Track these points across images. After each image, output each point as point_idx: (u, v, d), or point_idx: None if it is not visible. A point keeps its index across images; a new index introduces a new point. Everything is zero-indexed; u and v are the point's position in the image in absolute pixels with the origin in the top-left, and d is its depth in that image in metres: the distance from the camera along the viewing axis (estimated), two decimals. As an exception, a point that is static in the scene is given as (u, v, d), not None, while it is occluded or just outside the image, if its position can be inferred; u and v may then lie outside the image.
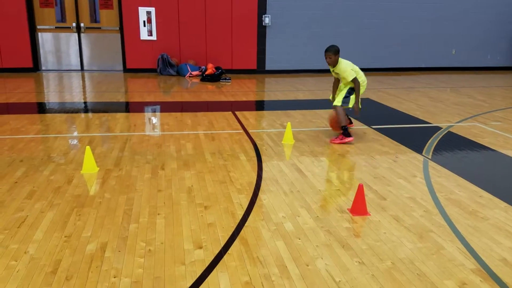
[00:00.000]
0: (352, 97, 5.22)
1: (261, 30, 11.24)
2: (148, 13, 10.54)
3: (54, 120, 6.13)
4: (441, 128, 6.07)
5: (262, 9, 11.09)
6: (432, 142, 5.40)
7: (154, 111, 7.11)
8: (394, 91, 9.06)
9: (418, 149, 5.05)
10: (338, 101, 5.22)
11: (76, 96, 8.08)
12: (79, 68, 10.88)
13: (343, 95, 5.22)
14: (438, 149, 5.10)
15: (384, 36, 11.87)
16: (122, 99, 7.87)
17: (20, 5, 9.92)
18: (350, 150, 5.00)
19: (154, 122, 6.28)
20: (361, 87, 5.23)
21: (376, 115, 6.99)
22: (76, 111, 6.87)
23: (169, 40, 10.80)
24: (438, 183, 4.02)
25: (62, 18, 10.51)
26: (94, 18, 10.67)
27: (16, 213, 3.21)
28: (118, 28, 10.72)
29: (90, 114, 6.67)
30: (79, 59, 10.82)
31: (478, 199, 3.67)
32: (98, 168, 4.17)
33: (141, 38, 10.64)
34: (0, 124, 5.71)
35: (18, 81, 9.28)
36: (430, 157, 4.79)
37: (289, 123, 5.33)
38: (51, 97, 7.94)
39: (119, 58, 10.91)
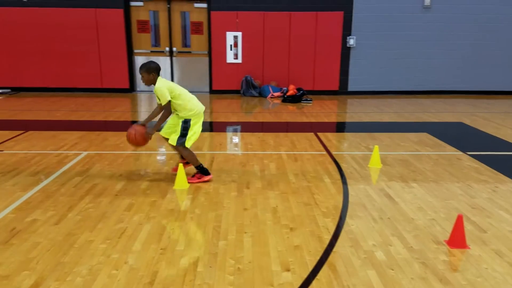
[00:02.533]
0: (190, 131, 4.30)
1: (345, 51, 11.16)
2: (235, 37, 10.96)
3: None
4: (547, 156, 5.53)
5: (347, 31, 11.03)
6: (538, 172, 4.92)
7: (237, 130, 7.30)
8: (489, 116, 8.45)
9: (521, 179, 4.63)
10: (173, 140, 4.28)
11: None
12: (169, 88, 11.54)
13: (178, 133, 4.27)
14: (545, 180, 4.64)
15: (475, 58, 11.17)
16: (208, 119, 8.19)
17: (120, 31, 10.82)
18: (444, 177, 4.72)
19: (238, 141, 6.44)
20: (192, 115, 4.28)
21: (471, 140, 6.56)
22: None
23: (253, 63, 11.10)
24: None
25: (157, 43, 11.28)
26: (185, 42, 11.32)
27: (116, 224, 3.44)
28: (207, 52, 11.26)
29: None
30: (170, 81, 11.47)
31: None
32: (189, 185, 4.35)
33: (227, 61, 11.06)
34: (101, 140, 6.21)
35: (116, 101, 10.07)
36: (536, 188, 4.37)
37: (376, 146, 5.17)
38: (146, 116, 8.49)
39: (206, 80, 11.43)
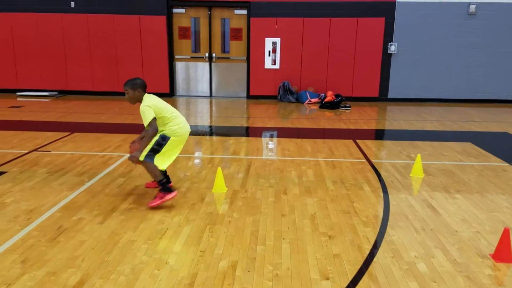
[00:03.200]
0: (164, 148, 3.90)
1: (386, 58, 10.97)
2: (274, 43, 11.01)
3: (188, 142, 6.61)
4: None
5: (388, 37, 10.85)
6: None
7: (275, 136, 7.31)
8: (539, 126, 8.08)
9: None
10: (142, 155, 3.81)
11: (205, 120, 8.70)
12: (208, 94, 11.72)
13: (150, 146, 3.84)
14: None
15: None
16: (245, 124, 8.26)
17: (162, 37, 11.10)
18: (489, 188, 4.55)
19: (275, 147, 6.45)
20: (172, 132, 3.90)
21: (517, 151, 6.30)
22: (206, 133, 7.38)
23: (291, 69, 11.10)
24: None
25: (196, 49, 11.49)
26: (224, 48, 11.47)
27: (158, 225, 3.52)
28: (245, 58, 11.36)
29: (218, 137, 7.10)
30: (209, 86, 11.67)
31: None
32: (227, 189, 4.40)
33: (265, 67, 11.12)
34: (143, 142, 6.37)
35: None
36: None
37: (419, 155, 5.05)
38: (191, 120, 8.66)
39: (244, 86, 11.52)
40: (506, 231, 3.04)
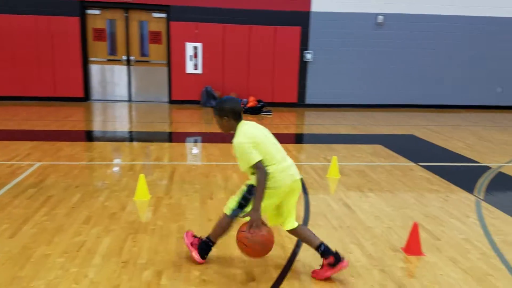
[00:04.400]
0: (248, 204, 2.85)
1: (303, 65, 11.42)
2: (195, 48, 10.95)
3: (106, 148, 6.38)
4: (491, 168, 5.88)
5: (304, 45, 11.30)
6: (483, 182, 5.23)
7: (199, 141, 7.27)
8: (439, 129, 8.90)
9: (469, 189, 4.90)
10: (227, 207, 2.94)
11: (125, 126, 8.40)
12: (127, 98, 11.33)
13: (239, 196, 2.89)
14: (490, 189, 4.93)
15: (426, 73, 11.75)
16: (168, 129, 8.11)
17: (75, 38, 10.53)
18: (398, 187, 4.92)
19: (199, 152, 6.42)
20: (271, 183, 2.75)
21: (422, 151, 6.88)
22: (126, 139, 7.13)
23: (213, 74, 11.13)
24: (493, 225, 3.88)
25: (113, 51, 11.07)
26: (143, 52, 11.17)
27: (74, 237, 3.33)
28: (166, 62, 11.16)
29: (139, 143, 6.89)
30: (127, 90, 11.29)
31: (539, 244, 3.51)
32: (150, 196, 4.28)
33: (187, 71, 11.03)
34: (56, 150, 5.99)
35: (70, 110, 9.74)
36: (482, 197, 4.64)
37: (334, 157, 5.32)
38: (102, 126, 8.29)
39: (165, 90, 11.31)
40: (415, 226, 3.31)
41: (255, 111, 10.16)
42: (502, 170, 5.78)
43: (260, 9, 11.01)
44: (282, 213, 2.93)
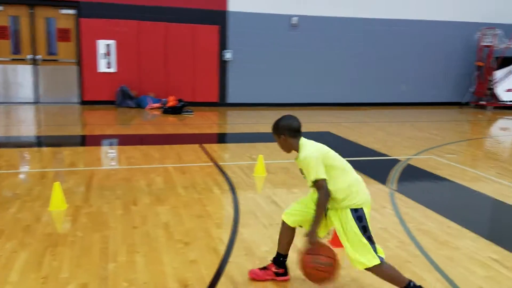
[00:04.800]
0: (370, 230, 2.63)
1: (223, 64, 11.43)
2: (108, 45, 10.44)
3: (13, 155, 5.83)
4: (400, 160, 6.34)
5: (223, 45, 11.31)
6: (394, 174, 5.62)
7: (118, 144, 6.95)
8: (352, 125, 9.42)
9: (382, 181, 5.23)
10: (361, 263, 2.60)
11: (33, 130, 7.76)
12: (34, 100, 10.47)
13: (362, 241, 2.60)
14: (401, 180, 5.31)
15: (335, 73, 12.34)
16: (82, 132, 7.64)
17: (-29, 34, 9.54)
18: (321, 182, 5.10)
19: (119, 156, 6.12)
20: (358, 199, 2.64)
21: (338, 147, 7.17)
22: (35, 145, 6.58)
23: (129, 72, 10.71)
24: (407, 214, 4.18)
25: (17, 50, 10.16)
26: (50, 50, 10.40)
27: (-17, 255, 2.99)
28: (75, 61, 10.50)
29: (50, 148, 6.40)
30: (34, 91, 10.44)
31: (447, 230, 3.84)
32: (67, 205, 3.99)
33: (100, 70, 10.48)
34: (-48, 159, 5.36)
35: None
36: (395, 188, 4.98)
37: (260, 155, 5.38)
38: (7, 131, 7.57)
39: (75, 91, 10.64)
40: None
41: (176, 111, 9.96)
42: (410, 162, 6.26)
43: (176, 6, 10.80)
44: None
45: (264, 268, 2.89)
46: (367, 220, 2.61)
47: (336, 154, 2.79)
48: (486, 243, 3.55)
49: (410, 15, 12.50)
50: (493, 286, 2.89)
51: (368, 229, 2.58)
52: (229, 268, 3.02)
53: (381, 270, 2.57)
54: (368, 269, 2.57)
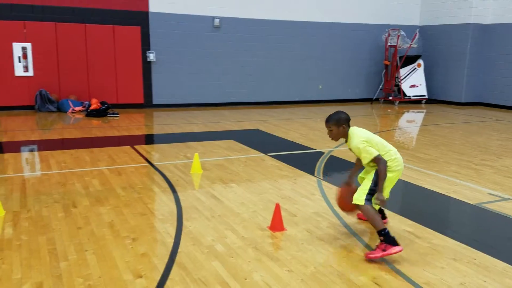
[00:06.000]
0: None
1: (146, 66, 11.36)
2: (24, 48, 9.93)
3: None
4: (324, 152, 6.90)
5: (146, 45, 11.25)
6: (320, 164, 6.13)
7: (45, 149, 6.70)
8: (278, 122, 9.91)
9: (310, 171, 5.70)
10: (358, 199, 3.39)
11: None
12: None
13: (368, 187, 3.40)
14: (326, 170, 5.83)
15: (261, 72, 12.84)
16: (3, 138, 7.26)
17: None
18: (255, 175, 5.44)
19: (49, 160, 5.95)
20: (391, 172, 3.42)
21: (268, 143, 7.63)
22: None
23: (48, 76, 10.26)
24: (333, 199, 4.64)
25: None
26: (-43, 52, 9.66)
27: None
28: (-13, 63, 9.86)
29: (-32, 157, 6.05)
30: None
31: (368, 209, 4.35)
32: (4, 211, 3.90)
33: (16, 74, 9.93)
34: None
35: None
36: (321, 177, 5.47)
37: (196, 154, 5.58)
38: None
39: (-12, 95, 9.99)
40: (277, 206, 3.80)
41: (100, 114, 9.75)
42: (333, 154, 6.83)
43: (95, 7, 10.55)
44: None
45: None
46: (390, 182, 3.47)
47: (378, 139, 3.53)
48: (401, 219, 4.10)
49: (327, 18, 13.35)
50: (409, 253, 3.39)
51: (376, 187, 3.38)
52: (179, 257, 3.22)
53: (366, 210, 3.36)
54: (357, 206, 3.43)
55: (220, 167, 5.77)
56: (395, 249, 3.23)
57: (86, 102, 10.29)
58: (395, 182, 3.54)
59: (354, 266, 3.16)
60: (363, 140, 3.40)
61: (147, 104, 11.52)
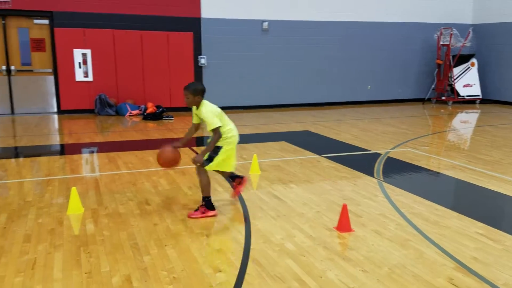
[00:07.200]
0: (216, 158, 4.06)
1: (198, 70, 11.65)
2: (84, 54, 10.45)
3: (10, 165, 5.87)
4: (381, 154, 6.83)
5: (197, 51, 11.54)
6: (378, 166, 6.08)
7: (110, 150, 7.04)
8: (327, 123, 9.89)
9: (369, 173, 5.67)
10: (202, 162, 4.05)
11: (21, 140, 7.71)
12: (9, 112, 10.32)
13: (208, 154, 4.08)
14: (385, 172, 5.77)
15: (307, 74, 12.84)
16: (70, 140, 7.69)
17: None
18: (313, 176, 5.48)
19: (117, 161, 6.25)
20: (224, 141, 4.07)
21: (321, 144, 7.64)
22: (28, 155, 6.61)
23: (106, 81, 10.75)
24: (398, 201, 4.61)
25: (-11, 61, 10.01)
26: (24, 60, 10.28)
27: (22, 256, 3.16)
28: (51, 70, 10.44)
29: (44, 157, 6.44)
30: (9, 102, 10.28)
31: (436, 212, 4.29)
32: (83, 209, 4.16)
33: (77, 79, 10.47)
34: (-51, 171, 5.35)
35: None
36: (382, 179, 5.43)
37: (255, 155, 5.70)
38: (0, 141, 7.52)
39: (52, 100, 10.59)
40: (344, 207, 3.83)
41: (156, 117, 10.10)
42: (390, 155, 6.76)
43: (150, 15, 10.95)
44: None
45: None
46: (221, 153, 4.07)
47: (223, 113, 4.19)
48: (471, 221, 4.02)
49: (376, 18, 13.19)
50: (483, 255, 3.34)
51: (213, 158, 4.06)
52: (253, 254, 3.32)
53: (202, 173, 4.06)
54: (197, 171, 4.09)
55: (277, 168, 5.85)
56: (211, 212, 4.03)
57: (143, 105, 10.69)
58: (233, 154, 4.19)
59: (428, 268, 3.14)
60: (214, 112, 4.03)
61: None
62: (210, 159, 4.03)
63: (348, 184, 5.19)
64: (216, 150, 4.04)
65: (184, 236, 3.61)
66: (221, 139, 4.03)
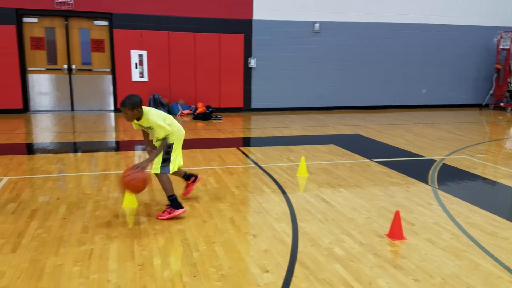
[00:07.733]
0: (173, 154, 4.01)
1: (247, 71, 11.76)
2: (140, 55, 10.85)
3: (69, 160, 6.20)
4: (435, 160, 6.58)
5: (248, 52, 11.65)
6: (433, 173, 5.86)
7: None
8: (379, 127, 9.66)
9: (423, 180, 5.48)
10: (156, 168, 3.94)
11: (79, 136, 8.13)
12: (69, 109, 10.91)
13: (161, 158, 3.95)
14: (440, 179, 5.55)
15: (356, 77, 12.62)
16: (126, 138, 8.01)
17: (12, 47, 9.98)
18: (363, 181, 5.37)
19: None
20: (174, 136, 3.99)
21: (372, 149, 7.47)
22: (86, 150, 6.94)
23: (160, 81, 11.10)
24: (453, 209, 4.43)
25: (53, 60, 10.60)
26: (85, 60, 10.83)
27: (80, 247, 3.32)
28: (109, 70, 10.92)
29: (103, 153, 6.74)
30: (69, 100, 10.87)
31: (493, 222, 4.08)
32: (138, 203, 4.31)
33: (133, 79, 10.88)
34: (17, 164, 5.72)
35: (11, 122, 9.20)
36: (436, 186, 5.23)
37: (303, 157, 5.67)
38: (53, 137, 7.95)
39: (109, 99, 11.07)
40: (397, 214, 3.72)
41: (206, 117, 10.30)
42: (445, 162, 6.49)
43: (204, 17, 11.18)
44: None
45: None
46: (173, 149, 4.00)
47: (169, 117, 4.05)
48: (534, 234, 3.78)
49: (431, 19, 12.75)
50: (546, 270, 3.13)
51: (170, 155, 3.98)
52: (300, 257, 3.30)
53: (162, 177, 3.95)
54: (156, 175, 3.97)
55: (325, 171, 5.78)
56: (179, 211, 3.93)
57: (193, 106, 10.94)
58: (181, 150, 4.12)
59: (484, 280, 2.99)
60: (163, 119, 3.88)
61: (246, 108, 11.91)
62: (166, 160, 3.95)
63: (400, 190, 5.04)
64: (168, 150, 3.96)
65: (231, 234, 3.65)
66: (170, 135, 3.94)
